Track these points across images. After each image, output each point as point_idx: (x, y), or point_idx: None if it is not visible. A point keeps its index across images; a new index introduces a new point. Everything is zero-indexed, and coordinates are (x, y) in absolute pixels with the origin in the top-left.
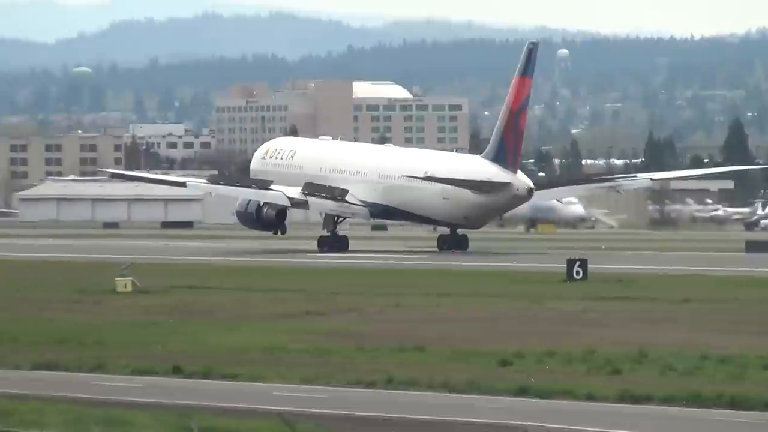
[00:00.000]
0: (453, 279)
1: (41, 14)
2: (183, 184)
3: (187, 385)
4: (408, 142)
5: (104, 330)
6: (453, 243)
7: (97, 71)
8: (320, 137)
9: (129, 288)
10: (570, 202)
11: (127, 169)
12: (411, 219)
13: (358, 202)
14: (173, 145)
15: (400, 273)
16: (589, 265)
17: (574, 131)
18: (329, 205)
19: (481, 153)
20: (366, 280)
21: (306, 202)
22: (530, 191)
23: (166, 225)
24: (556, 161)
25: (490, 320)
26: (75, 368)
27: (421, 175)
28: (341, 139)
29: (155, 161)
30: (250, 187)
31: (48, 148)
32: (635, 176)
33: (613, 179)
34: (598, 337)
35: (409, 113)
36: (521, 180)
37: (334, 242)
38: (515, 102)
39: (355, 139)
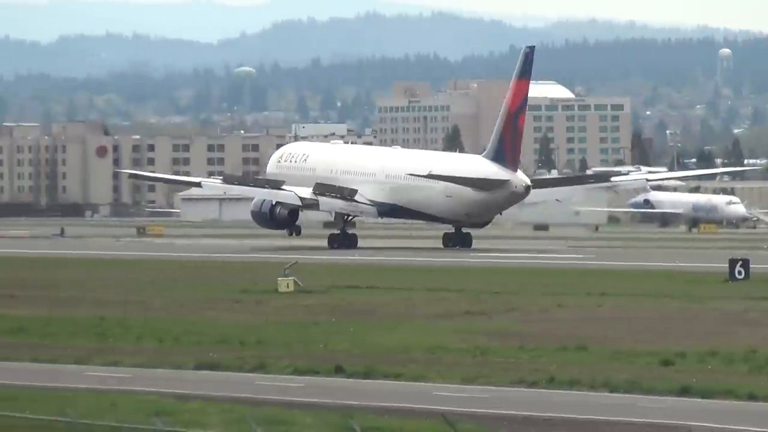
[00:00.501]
0: (614, 279)
1: (204, 15)
2: (198, 184)
3: (349, 385)
4: (570, 141)
5: (266, 330)
6: (458, 240)
7: (259, 71)
8: (331, 141)
9: (291, 288)
10: (732, 202)
11: None
12: (416, 217)
13: (367, 202)
14: None
15: (559, 273)
16: (751, 265)
17: (736, 131)
18: (339, 204)
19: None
20: (523, 280)
21: (317, 201)
22: (527, 188)
23: (327, 225)
24: (718, 161)
25: (651, 320)
26: (237, 368)
27: (426, 175)
28: (351, 143)
29: None
30: (263, 187)
31: (210, 147)
32: (629, 174)
33: (609, 179)
34: (760, 337)
35: (571, 113)
36: (519, 178)
37: (343, 240)
38: (513, 103)
39: None
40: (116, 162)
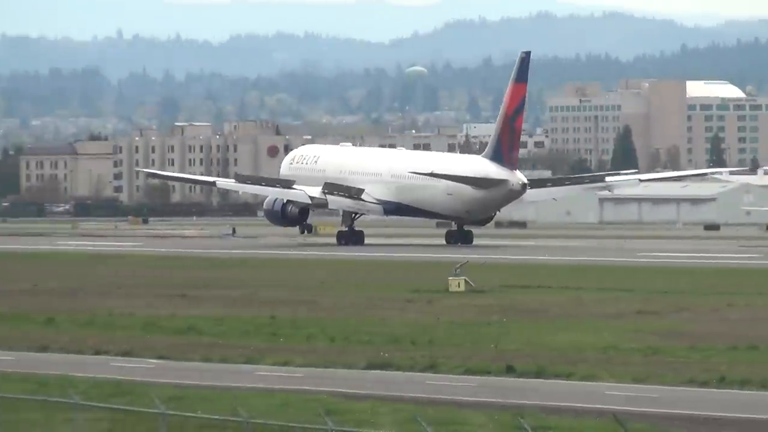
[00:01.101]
0: None
1: (375, 14)
2: (213, 183)
3: (520, 385)
4: (741, 141)
5: (437, 329)
6: (459, 237)
7: (430, 70)
8: (341, 144)
9: (462, 287)
10: None
11: None
12: (420, 215)
13: (373, 200)
14: None
15: (729, 273)
16: None
17: None
18: (347, 203)
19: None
20: (692, 280)
21: (325, 200)
22: (524, 186)
23: (501, 225)
24: None
25: None
26: (408, 368)
27: (427, 173)
28: (358, 145)
29: None
30: (274, 186)
31: (382, 147)
32: (620, 173)
33: (604, 179)
34: None
35: (742, 113)
36: (516, 176)
37: (351, 236)
38: (510, 106)
39: (689, 139)
40: None
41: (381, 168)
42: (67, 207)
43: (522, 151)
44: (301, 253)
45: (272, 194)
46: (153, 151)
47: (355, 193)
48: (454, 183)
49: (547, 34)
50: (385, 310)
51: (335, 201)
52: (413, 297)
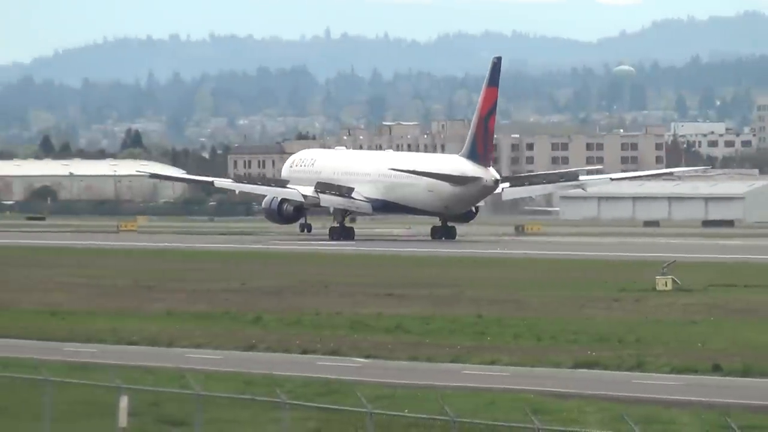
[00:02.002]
0: None
1: (583, 13)
2: (211, 183)
3: (727, 384)
4: None
5: (644, 328)
6: (444, 232)
7: (638, 69)
8: (335, 148)
9: (669, 286)
10: None
11: (668, 167)
12: (405, 211)
13: (363, 198)
14: (714, 144)
15: None
16: None
17: None
18: (337, 201)
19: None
20: None
21: (318, 198)
22: (496, 182)
23: (707, 223)
24: None
25: None
26: (615, 366)
27: (406, 170)
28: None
29: (696, 160)
30: (269, 185)
31: (589, 146)
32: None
33: (577, 178)
34: None
35: None
36: (490, 173)
37: (342, 232)
38: (483, 108)
39: None
40: (495, 161)
41: (369, 169)
42: None
43: (728, 150)
44: (509, 252)
45: (268, 193)
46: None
47: (345, 192)
48: (434, 180)
49: (755, 33)
50: (592, 309)
51: (327, 199)
52: (621, 296)
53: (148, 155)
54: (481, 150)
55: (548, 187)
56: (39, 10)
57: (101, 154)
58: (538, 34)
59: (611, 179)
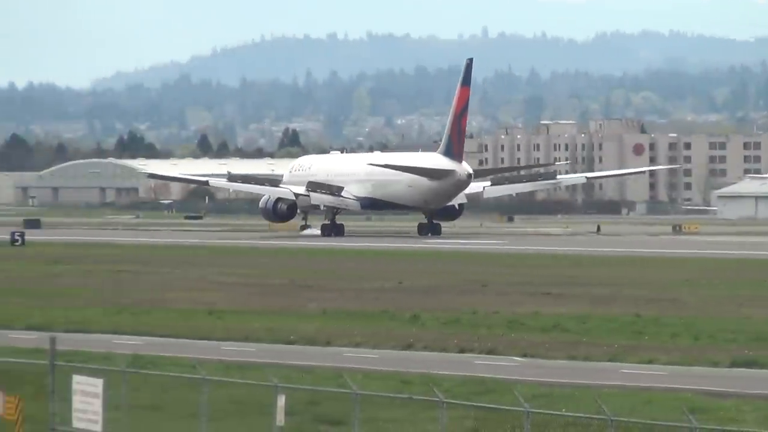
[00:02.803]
0: None
1: (740, 12)
2: (206, 183)
3: None
4: None
5: None
6: (429, 229)
7: None
8: (330, 152)
9: None
10: None
11: None
12: (390, 207)
13: (351, 197)
14: None
15: None
16: None
17: None
18: (328, 199)
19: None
20: None
21: (308, 196)
22: (469, 176)
23: None
24: None
25: None
26: None
27: (383, 165)
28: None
29: None
30: (262, 184)
31: (746, 145)
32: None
33: (555, 177)
34: None
35: None
36: (463, 168)
37: (332, 229)
38: (458, 107)
39: None
40: (652, 160)
41: (358, 169)
42: None
43: None
44: (667, 251)
45: (261, 192)
46: (518, 149)
47: (335, 191)
48: (414, 176)
49: None
50: (750, 308)
51: (317, 197)
52: None
53: (305, 154)
54: (455, 146)
55: (527, 186)
56: (198, 9)
57: (259, 153)
58: (696, 33)
59: (587, 178)
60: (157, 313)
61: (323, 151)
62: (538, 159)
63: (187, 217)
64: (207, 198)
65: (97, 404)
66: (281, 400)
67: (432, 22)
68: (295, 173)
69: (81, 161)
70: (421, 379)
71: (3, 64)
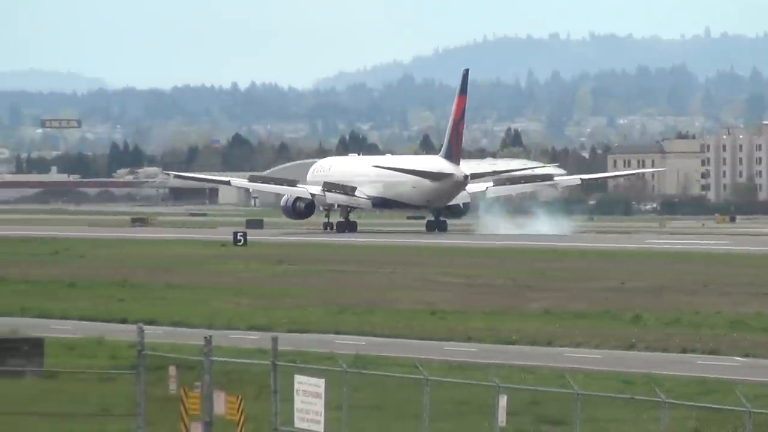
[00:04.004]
0: None
1: None
2: (228, 183)
3: None
4: None
5: None
6: (436, 225)
7: None
8: (349, 155)
9: None
10: None
11: None
12: (398, 206)
13: (364, 196)
14: None
15: None
16: None
17: None
18: (341, 198)
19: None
20: None
21: (324, 196)
22: (466, 178)
23: None
24: None
25: None
26: None
27: (387, 167)
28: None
29: None
30: (281, 184)
31: None
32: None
33: (552, 178)
34: None
35: None
36: (460, 170)
37: (346, 226)
38: (456, 114)
39: None
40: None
41: (370, 171)
42: (654, 205)
43: None
44: None
45: (279, 192)
46: (740, 150)
47: (349, 191)
48: (418, 178)
49: None
50: None
51: (332, 197)
52: None
53: (527, 154)
54: (454, 150)
55: (527, 186)
56: (420, 9)
57: (481, 153)
58: None
59: (581, 180)
60: (380, 313)
61: (545, 151)
62: (760, 159)
63: (409, 217)
64: None
65: (319, 404)
66: (503, 401)
67: (654, 22)
68: (316, 174)
69: (303, 161)
70: (642, 379)
71: (226, 65)
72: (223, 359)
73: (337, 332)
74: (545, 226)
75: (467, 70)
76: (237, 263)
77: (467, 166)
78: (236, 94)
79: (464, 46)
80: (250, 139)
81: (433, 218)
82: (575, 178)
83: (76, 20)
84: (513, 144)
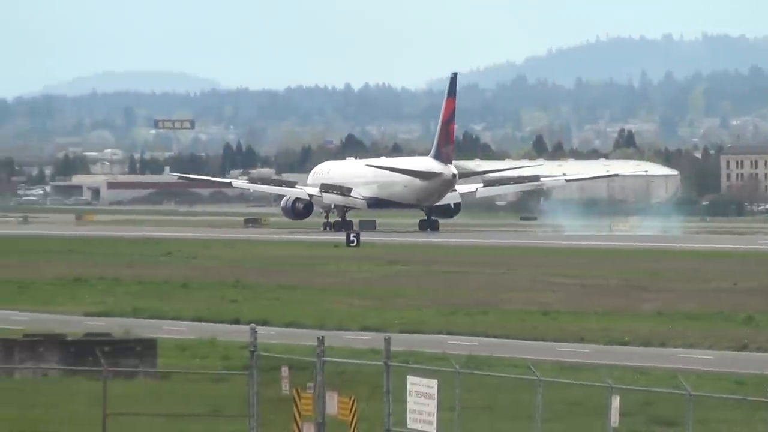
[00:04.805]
0: None
1: None
2: (229, 184)
3: None
4: None
5: None
6: (428, 224)
7: None
8: (347, 158)
9: None
10: None
11: None
12: (391, 206)
13: (359, 197)
14: None
15: None
16: None
17: None
18: (338, 199)
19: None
20: None
21: (321, 196)
22: (454, 176)
23: None
24: None
25: None
26: None
27: (378, 166)
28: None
29: None
30: (279, 185)
31: None
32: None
33: (539, 179)
34: None
35: None
36: (449, 169)
37: (343, 225)
38: (445, 116)
39: None
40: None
41: (365, 172)
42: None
43: None
44: None
45: (279, 193)
46: None
47: (345, 191)
48: (409, 177)
49: None
50: None
51: (329, 197)
52: None
53: (640, 155)
54: (443, 151)
55: (515, 187)
56: (533, 10)
57: (594, 154)
58: None
59: (566, 180)
60: (492, 313)
61: (658, 152)
62: None
63: (522, 218)
64: (542, 199)
65: (432, 405)
66: (615, 401)
67: (767, 22)
68: (316, 177)
69: None
70: (754, 380)
71: (340, 66)
72: (335, 360)
73: (450, 333)
74: (654, 228)
75: (455, 74)
76: (350, 264)
77: (577, 167)
78: (349, 94)
79: (577, 47)
80: (364, 139)
81: (425, 218)
82: (560, 179)
83: (189, 21)
84: (626, 145)
